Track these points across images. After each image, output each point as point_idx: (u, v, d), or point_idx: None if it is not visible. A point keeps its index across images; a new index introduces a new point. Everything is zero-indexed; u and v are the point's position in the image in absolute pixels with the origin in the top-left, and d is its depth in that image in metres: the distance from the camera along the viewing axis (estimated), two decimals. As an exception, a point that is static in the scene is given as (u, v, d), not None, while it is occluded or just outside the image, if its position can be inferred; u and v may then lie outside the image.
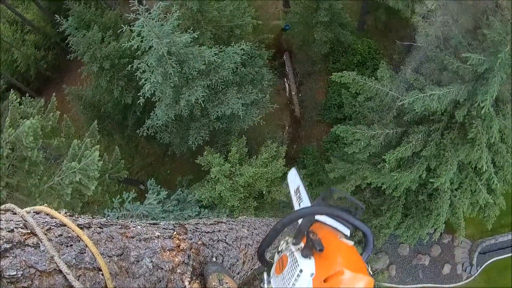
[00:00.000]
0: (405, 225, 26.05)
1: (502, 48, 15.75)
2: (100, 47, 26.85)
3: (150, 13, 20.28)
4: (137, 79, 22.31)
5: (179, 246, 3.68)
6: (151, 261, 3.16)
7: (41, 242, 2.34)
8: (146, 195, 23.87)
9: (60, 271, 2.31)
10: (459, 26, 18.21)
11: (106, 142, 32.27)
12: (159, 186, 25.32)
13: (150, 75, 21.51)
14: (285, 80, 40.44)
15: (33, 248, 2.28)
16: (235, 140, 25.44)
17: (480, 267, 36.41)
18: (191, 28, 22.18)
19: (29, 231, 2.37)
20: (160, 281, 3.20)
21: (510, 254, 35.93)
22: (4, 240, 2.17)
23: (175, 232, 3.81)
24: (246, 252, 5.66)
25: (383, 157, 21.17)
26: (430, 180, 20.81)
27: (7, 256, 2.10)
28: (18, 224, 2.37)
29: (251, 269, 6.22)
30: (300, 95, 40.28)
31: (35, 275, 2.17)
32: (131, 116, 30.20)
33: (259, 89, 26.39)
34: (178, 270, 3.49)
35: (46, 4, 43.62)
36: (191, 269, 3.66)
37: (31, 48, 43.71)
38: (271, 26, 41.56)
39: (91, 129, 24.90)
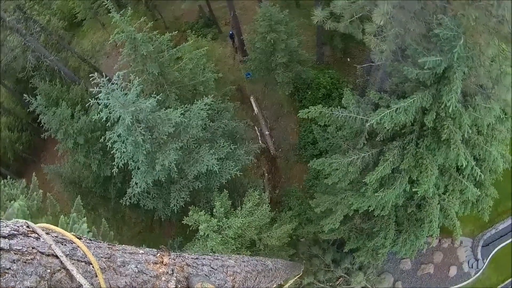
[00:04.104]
0: (400, 240, 26.12)
1: (456, 43, 16.00)
2: (72, 123, 27.22)
3: (112, 84, 20.42)
4: (110, 150, 22.52)
5: (162, 262, 4.00)
6: (136, 267, 3.57)
7: (41, 236, 2.94)
8: (139, 263, 23.79)
9: (57, 257, 2.88)
10: (411, 34, 18.44)
11: (92, 217, 32.01)
12: (152, 252, 25.30)
13: (121, 145, 21.77)
14: (256, 128, 40.65)
15: (35, 239, 2.88)
16: (217, 195, 25.36)
17: (486, 259, 36.66)
18: (155, 92, 22.52)
19: (31, 230, 2.97)
20: (146, 284, 3.59)
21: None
22: (13, 229, 2.78)
23: (158, 254, 4.10)
24: (234, 278, 5.87)
25: (363, 180, 21.33)
26: (413, 189, 21.04)
27: (14, 238, 2.70)
28: (23, 225, 2.96)
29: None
30: (273, 139, 40.44)
31: (36, 253, 2.75)
32: (112, 188, 30.30)
33: (231, 141, 26.63)
34: (163, 278, 3.82)
35: (13, 85, 44.23)
36: (175, 279, 3.91)
37: (4, 130, 44.19)
38: (233, 77, 41.94)
39: (76, 204, 24.88)
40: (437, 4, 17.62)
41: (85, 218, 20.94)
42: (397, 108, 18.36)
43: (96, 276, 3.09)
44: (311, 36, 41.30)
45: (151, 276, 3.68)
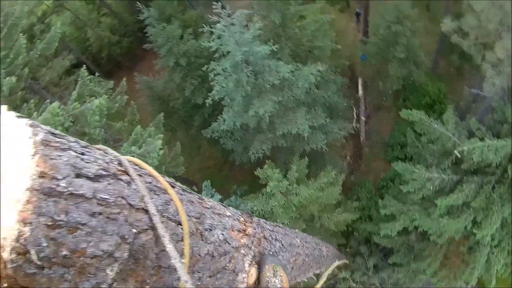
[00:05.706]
0: (440, 274, 25.80)
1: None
2: (179, 43, 27.32)
3: (232, 19, 20.54)
4: (210, 80, 22.72)
5: (245, 230, 3.86)
6: (222, 234, 3.32)
7: (134, 181, 2.39)
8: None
9: (146, 212, 2.37)
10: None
11: (169, 137, 32.57)
12: (214, 190, 25.50)
13: (223, 80, 21.89)
14: (354, 110, 40.26)
15: (126, 184, 2.31)
16: (297, 160, 25.23)
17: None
18: (271, 41, 22.30)
19: (123, 169, 2.40)
20: (226, 255, 3.36)
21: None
22: (101, 167, 2.18)
23: (242, 218, 3.99)
24: (295, 260, 5.87)
25: (435, 201, 21.09)
26: (473, 230, 20.68)
27: (101, 182, 2.12)
28: (113, 161, 2.41)
29: (294, 279, 6.38)
30: (366, 126, 40.03)
31: (124, 206, 2.21)
32: (198, 117, 30.59)
33: (328, 114, 26.43)
34: (242, 251, 3.68)
35: (127, -9, 43.64)
36: (252, 254, 3.87)
37: (106, 31, 44.43)
38: (348, 53, 41.50)
39: (156, 120, 25.37)
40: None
41: (162, 135, 21.13)
42: (489, 145, 18.21)
43: (182, 240, 2.68)
44: (430, 42, 40.40)
45: (233, 247, 3.47)
